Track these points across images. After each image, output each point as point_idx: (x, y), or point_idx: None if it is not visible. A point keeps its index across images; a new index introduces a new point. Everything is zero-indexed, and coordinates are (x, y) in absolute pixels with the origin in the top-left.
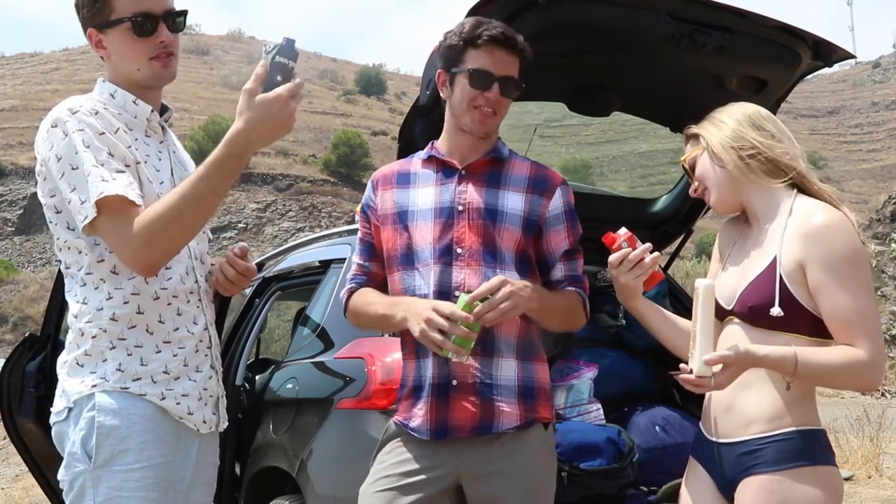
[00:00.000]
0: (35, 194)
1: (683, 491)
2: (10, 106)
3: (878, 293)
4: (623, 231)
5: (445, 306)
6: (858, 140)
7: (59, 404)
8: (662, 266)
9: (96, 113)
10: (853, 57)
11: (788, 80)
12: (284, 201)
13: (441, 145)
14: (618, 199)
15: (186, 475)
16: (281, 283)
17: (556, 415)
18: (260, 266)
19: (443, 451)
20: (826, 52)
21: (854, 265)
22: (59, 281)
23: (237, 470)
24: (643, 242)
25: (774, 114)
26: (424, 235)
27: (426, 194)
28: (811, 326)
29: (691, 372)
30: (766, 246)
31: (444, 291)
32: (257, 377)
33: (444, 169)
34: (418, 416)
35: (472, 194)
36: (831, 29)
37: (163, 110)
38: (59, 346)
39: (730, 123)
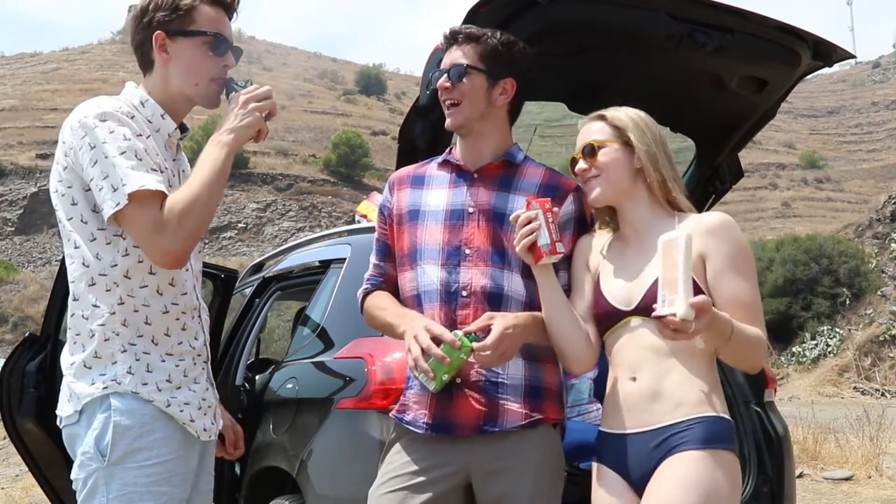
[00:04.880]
0: (35, 194)
1: (595, 499)
2: (10, 106)
3: (878, 293)
4: (547, 199)
5: (437, 327)
6: (858, 140)
7: (67, 408)
8: None
9: (132, 117)
10: (853, 57)
11: (788, 80)
12: (284, 201)
13: (456, 150)
14: None
15: (193, 469)
16: (281, 283)
17: None
18: (260, 266)
19: (450, 449)
20: (826, 52)
21: (749, 258)
22: (60, 281)
23: (237, 470)
24: None
25: (774, 114)
26: (434, 235)
27: (438, 196)
28: None
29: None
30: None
31: (452, 291)
32: (257, 377)
33: (458, 172)
34: (416, 410)
35: (482, 197)
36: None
37: (182, 130)
38: (59, 346)
39: (649, 134)
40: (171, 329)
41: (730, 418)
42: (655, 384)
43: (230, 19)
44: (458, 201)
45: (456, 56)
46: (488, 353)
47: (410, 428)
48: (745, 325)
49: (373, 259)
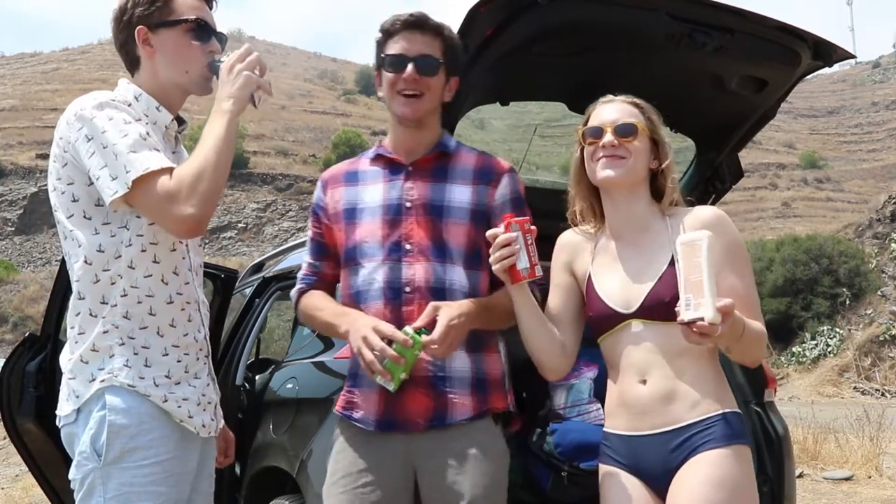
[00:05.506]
0: (35, 194)
1: (608, 499)
2: (10, 106)
3: (878, 293)
4: (524, 217)
5: (386, 327)
6: (858, 140)
7: (66, 407)
8: None
9: (129, 105)
10: (853, 57)
11: (788, 80)
12: (284, 201)
13: (388, 143)
14: None
15: (192, 469)
16: (281, 283)
17: (556, 415)
18: (260, 266)
19: (393, 446)
20: (826, 52)
21: (744, 251)
22: (60, 281)
23: (237, 470)
24: None
25: (774, 114)
26: (374, 232)
27: (374, 191)
28: None
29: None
30: (655, 248)
31: (395, 287)
32: (257, 377)
33: (392, 166)
34: (363, 407)
35: (419, 190)
36: (831, 29)
37: (179, 122)
38: (59, 346)
39: (665, 139)
40: (177, 320)
41: (738, 410)
42: (668, 386)
43: (211, 8)
44: (395, 195)
45: (420, 46)
46: (436, 346)
47: (359, 426)
48: (750, 321)
49: (307, 258)
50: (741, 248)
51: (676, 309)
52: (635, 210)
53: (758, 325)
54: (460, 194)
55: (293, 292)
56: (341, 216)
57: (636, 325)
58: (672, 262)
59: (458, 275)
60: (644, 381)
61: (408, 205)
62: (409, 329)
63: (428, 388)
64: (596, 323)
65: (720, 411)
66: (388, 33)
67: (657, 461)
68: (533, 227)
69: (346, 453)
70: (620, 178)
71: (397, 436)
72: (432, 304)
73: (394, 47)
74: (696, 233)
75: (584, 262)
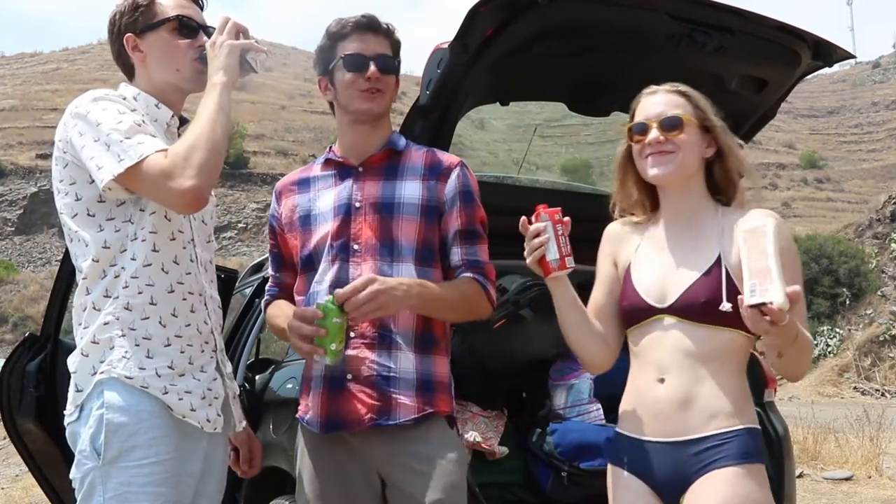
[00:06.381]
0: (35, 194)
1: (620, 493)
2: (10, 106)
3: (878, 293)
4: (556, 209)
5: (303, 309)
6: (858, 140)
7: (69, 405)
8: None
9: (124, 98)
10: (853, 57)
11: (788, 80)
12: None
13: (337, 148)
14: None
15: (196, 470)
16: None
17: (555, 415)
18: (260, 266)
19: (350, 448)
20: (826, 52)
21: (796, 258)
22: (60, 281)
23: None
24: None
25: (774, 114)
26: (325, 235)
27: (327, 196)
28: None
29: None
30: (701, 245)
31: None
32: (257, 377)
33: (342, 169)
34: (311, 409)
35: (369, 189)
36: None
37: (181, 122)
38: (59, 346)
39: (718, 124)
40: (179, 309)
41: (759, 427)
42: (686, 391)
43: (200, 6)
44: (345, 195)
45: (375, 46)
46: (360, 303)
47: (309, 428)
48: (802, 329)
49: (270, 270)
50: (794, 257)
51: (739, 298)
52: (687, 205)
53: (808, 335)
54: (411, 190)
55: (262, 304)
56: (296, 224)
57: (667, 321)
58: (716, 263)
59: (405, 272)
60: (662, 381)
61: (357, 205)
62: (320, 301)
63: (371, 388)
64: (627, 314)
65: (737, 427)
66: (338, 36)
67: (667, 470)
68: (565, 219)
69: (307, 458)
70: (671, 174)
71: (348, 437)
72: (366, 275)
73: (349, 48)
74: (759, 219)
75: (627, 252)
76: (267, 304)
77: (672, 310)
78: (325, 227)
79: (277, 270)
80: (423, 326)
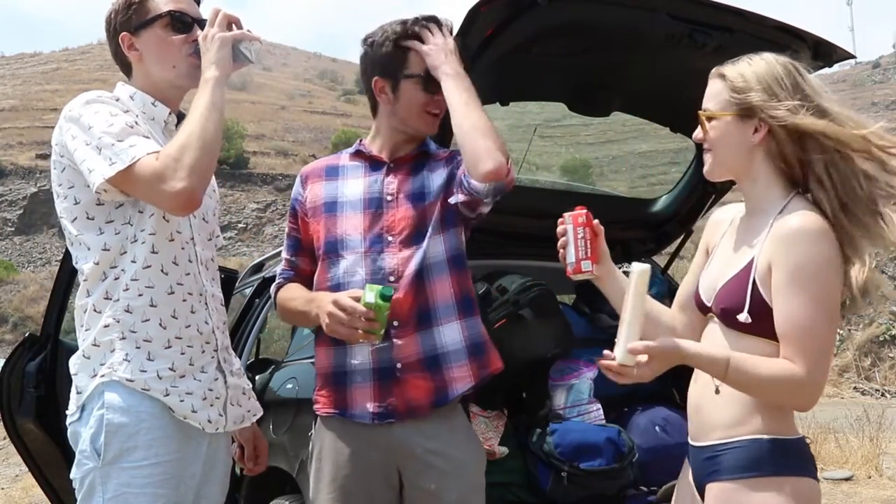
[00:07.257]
0: (35, 194)
1: (675, 491)
2: (10, 106)
3: (878, 293)
4: (579, 211)
5: (346, 301)
6: None
7: (71, 405)
8: (663, 266)
9: (117, 99)
10: (853, 57)
11: None
12: (284, 201)
13: (370, 144)
14: (617, 200)
15: (197, 471)
16: None
17: (555, 415)
18: (260, 266)
19: (372, 441)
20: (826, 52)
21: (815, 277)
22: (60, 281)
23: (237, 470)
24: (644, 243)
25: None
26: (355, 225)
27: (355, 185)
28: None
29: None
30: (748, 245)
31: (379, 279)
32: (257, 377)
33: (372, 162)
34: (357, 402)
35: (400, 183)
36: (831, 29)
37: (179, 119)
38: (59, 346)
39: (785, 93)
40: (179, 311)
41: (786, 436)
42: (700, 396)
43: (198, 2)
44: (376, 189)
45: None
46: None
47: (355, 421)
48: (758, 361)
49: (284, 254)
50: (808, 273)
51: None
52: (752, 195)
53: (767, 368)
54: (437, 178)
55: (272, 288)
56: (321, 210)
57: (714, 319)
58: (745, 268)
59: (433, 246)
60: (696, 381)
61: (388, 198)
62: (369, 300)
63: (425, 371)
64: (696, 309)
65: (741, 437)
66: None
67: (694, 473)
68: (588, 222)
69: (330, 455)
70: (711, 173)
71: (386, 428)
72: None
73: (423, 64)
74: (636, 264)
75: (714, 241)
76: (279, 287)
77: (711, 309)
78: (353, 218)
79: (294, 255)
80: (461, 290)
